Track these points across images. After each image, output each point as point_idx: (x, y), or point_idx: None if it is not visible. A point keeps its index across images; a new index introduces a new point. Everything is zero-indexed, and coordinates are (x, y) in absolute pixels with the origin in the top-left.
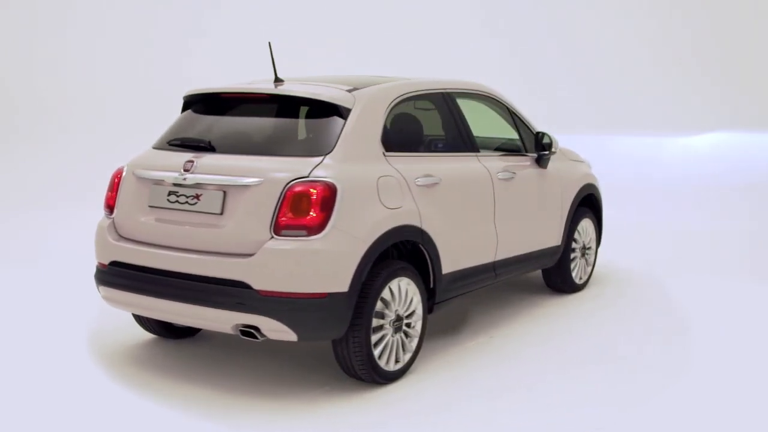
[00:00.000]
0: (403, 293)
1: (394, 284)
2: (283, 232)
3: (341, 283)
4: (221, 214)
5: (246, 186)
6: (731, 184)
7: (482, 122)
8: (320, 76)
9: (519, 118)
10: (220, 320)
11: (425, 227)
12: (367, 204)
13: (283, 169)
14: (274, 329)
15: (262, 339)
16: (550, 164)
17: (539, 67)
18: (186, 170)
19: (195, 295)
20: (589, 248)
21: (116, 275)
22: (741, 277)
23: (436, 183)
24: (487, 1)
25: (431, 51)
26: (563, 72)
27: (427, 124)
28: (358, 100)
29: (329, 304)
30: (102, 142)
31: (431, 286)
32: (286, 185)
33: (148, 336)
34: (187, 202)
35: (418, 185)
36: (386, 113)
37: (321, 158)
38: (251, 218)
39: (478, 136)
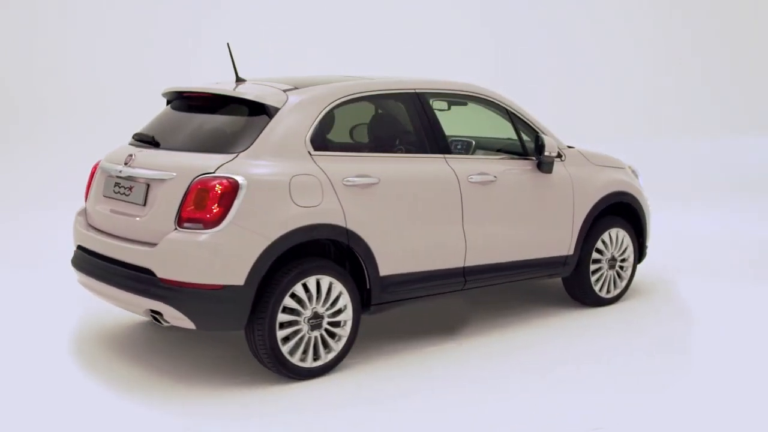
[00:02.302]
0: (323, 291)
1: (311, 281)
2: (185, 224)
3: (237, 277)
4: (144, 205)
5: (163, 180)
6: (733, 184)
7: (481, 124)
8: (283, 77)
9: (522, 120)
10: (135, 304)
11: (351, 227)
12: (274, 201)
13: (194, 165)
14: (174, 317)
15: (167, 325)
16: (565, 169)
17: (539, 68)
18: (126, 164)
19: (117, 279)
20: (623, 260)
21: (80, 259)
22: (745, 278)
23: (373, 183)
24: (491, 1)
25: (434, 51)
26: (560, 72)
27: (384, 125)
28: (290, 100)
29: (225, 296)
30: (102, 142)
31: (367, 287)
32: (192, 180)
33: (134, 323)
34: (124, 193)
35: (346, 185)
36: (322, 113)
37: (234, 155)
38: (163, 210)
39: (476, 137)
